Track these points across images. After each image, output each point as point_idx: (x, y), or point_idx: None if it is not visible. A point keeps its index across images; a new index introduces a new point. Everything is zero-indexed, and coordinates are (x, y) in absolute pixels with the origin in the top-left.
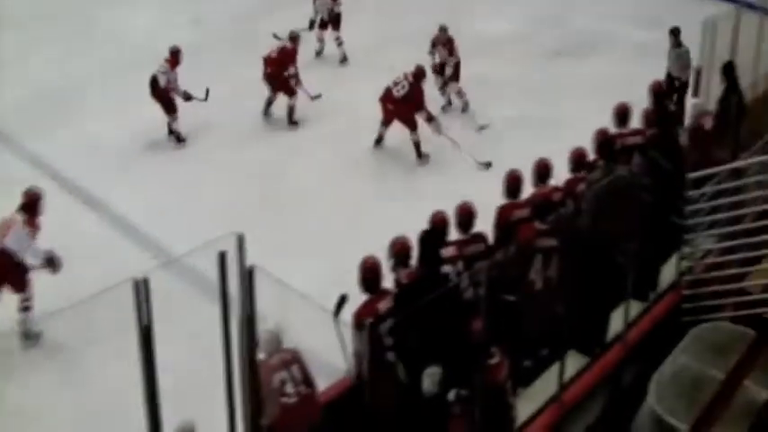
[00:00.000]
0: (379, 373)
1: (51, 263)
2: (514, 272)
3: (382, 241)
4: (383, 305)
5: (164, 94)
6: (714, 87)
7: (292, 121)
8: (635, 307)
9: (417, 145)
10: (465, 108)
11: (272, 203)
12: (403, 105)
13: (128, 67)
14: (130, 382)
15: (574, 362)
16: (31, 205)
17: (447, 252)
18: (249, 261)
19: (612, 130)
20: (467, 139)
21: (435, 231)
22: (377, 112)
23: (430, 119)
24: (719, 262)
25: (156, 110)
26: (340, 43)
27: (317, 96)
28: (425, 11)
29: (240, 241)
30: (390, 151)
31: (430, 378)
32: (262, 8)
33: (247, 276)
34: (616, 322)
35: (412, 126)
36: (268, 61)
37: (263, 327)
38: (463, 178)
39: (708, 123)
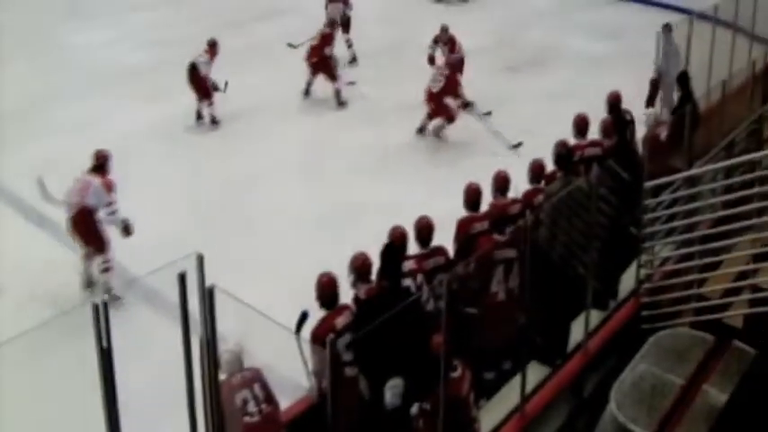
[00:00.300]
0: (340, 390)
1: (127, 228)
2: (475, 284)
3: (343, 255)
4: (341, 320)
5: (201, 81)
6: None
7: (341, 102)
8: (595, 316)
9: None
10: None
11: (235, 218)
12: (442, 96)
13: (87, 87)
14: (91, 405)
15: (535, 373)
16: (101, 165)
17: (406, 266)
18: (213, 277)
19: (571, 141)
20: None
21: (394, 246)
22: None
23: (466, 105)
24: (678, 269)
25: (117, 128)
26: (350, 45)
27: (352, 83)
28: (384, 25)
29: (200, 262)
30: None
31: (392, 391)
32: (221, 28)
33: (207, 297)
34: (577, 332)
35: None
36: (312, 48)
37: (224, 347)
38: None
39: (663, 133)
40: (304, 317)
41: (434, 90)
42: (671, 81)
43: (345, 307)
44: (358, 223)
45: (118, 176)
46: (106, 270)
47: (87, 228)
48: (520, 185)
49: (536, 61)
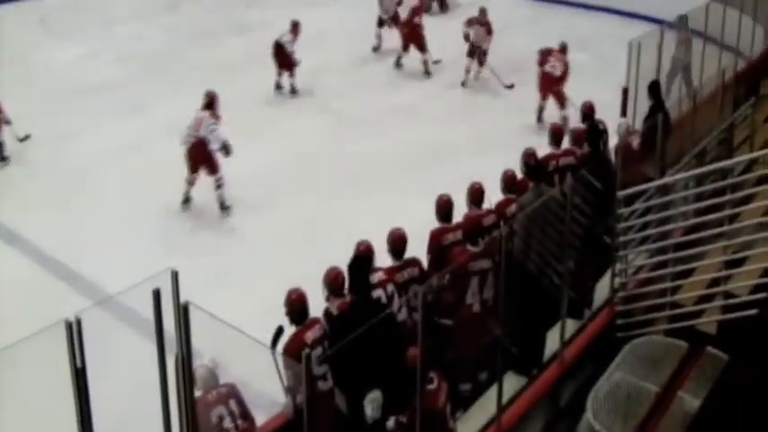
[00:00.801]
0: (315, 404)
1: (226, 148)
2: (450, 296)
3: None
4: (311, 335)
5: (287, 57)
6: (640, 106)
7: (427, 71)
8: (570, 325)
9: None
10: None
11: (210, 234)
12: (560, 81)
13: (60, 102)
14: (66, 424)
15: (512, 383)
16: (211, 102)
17: (376, 277)
18: (188, 293)
19: (544, 150)
20: None
21: (361, 259)
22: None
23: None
24: (651, 277)
25: (91, 143)
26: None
27: (437, 61)
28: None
29: (174, 278)
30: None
31: (372, 403)
32: (194, 42)
33: (182, 313)
34: (552, 341)
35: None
36: (405, 21)
37: (199, 362)
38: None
39: (635, 142)
40: (279, 332)
41: (555, 74)
42: (687, 65)
43: (315, 321)
44: (335, 237)
45: (91, 193)
46: (220, 186)
47: (203, 155)
48: (493, 198)
49: (509, 71)
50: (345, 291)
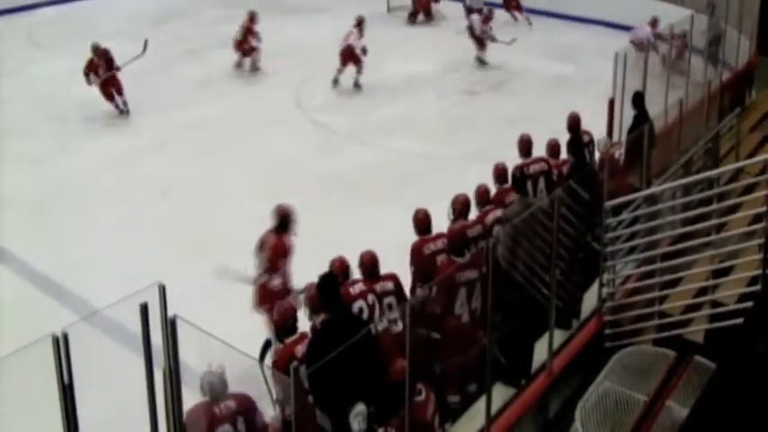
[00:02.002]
0: (304, 417)
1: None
2: (437, 308)
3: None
4: (300, 348)
5: (354, 55)
6: (627, 117)
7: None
8: (559, 335)
9: None
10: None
11: (196, 248)
12: None
13: (45, 118)
14: None
15: (500, 394)
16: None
17: (357, 288)
18: (176, 306)
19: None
20: None
21: (332, 275)
22: None
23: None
24: (639, 287)
25: (75, 160)
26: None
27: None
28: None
29: (162, 292)
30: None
31: (357, 418)
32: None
33: (170, 327)
34: (541, 352)
35: None
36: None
37: (207, 369)
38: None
39: (618, 152)
40: (267, 345)
41: None
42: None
43: (305, 335)
44: (322, 250)
45: (77, 209)
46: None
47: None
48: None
49: (495, 84)
50: None
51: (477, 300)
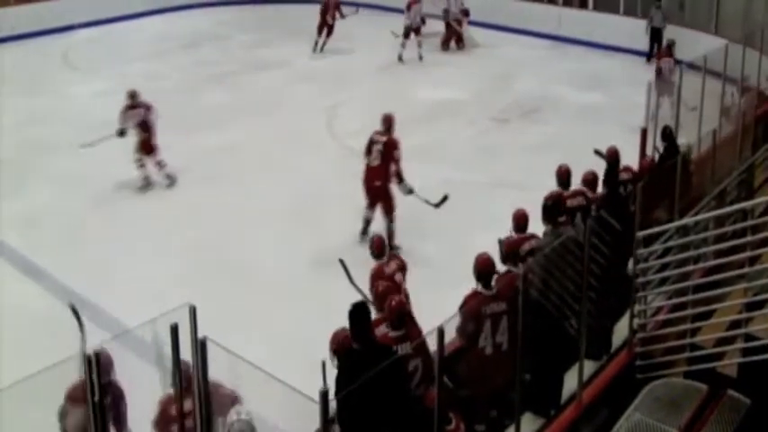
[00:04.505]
0: None
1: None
2: (464, 340)
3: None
4: None
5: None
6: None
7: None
8: (589, 366)
9: None
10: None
11: (227, 270)
12: None
13: (81, 137)
14: None
15: (530, 424)
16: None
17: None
18: (206, 328)
19: (555, 191)
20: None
21: (364, 305)
22: None
23: None
24: (671, 318)
25: (108, 180)
26: (420, 45)
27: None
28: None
29: (192, 313)
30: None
31: None
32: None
33: (200, 348)
34: (571, 382)
35: None
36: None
37: (235, 416)
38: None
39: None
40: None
41: None
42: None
43: None
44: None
45: (109, 229)
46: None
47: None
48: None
49: (525, 112)
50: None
51: (502, 334)
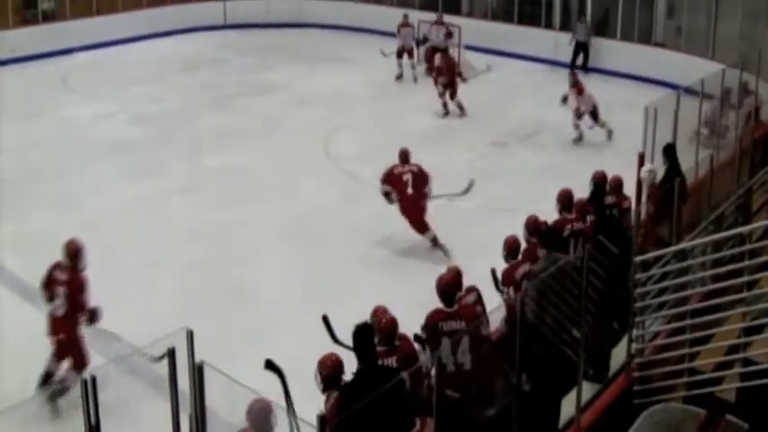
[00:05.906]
0: None
1: None
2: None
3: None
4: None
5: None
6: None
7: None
8: (587, 391)
9: None
10: None
11: (226, 294)
12: None
13: (79, 160)
14: None
15: None
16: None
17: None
18: (203, 353)
19: (550, 217)
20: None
21: (367, 326)
22: None
23: None
24: (669, 343)
25: (105, 202)
26: (414, 67)
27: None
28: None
29: (189, 337)
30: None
31: None
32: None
33: (197, 373)
34: (568, 407)
35: None
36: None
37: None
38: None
39: (649, 207)
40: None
41: None
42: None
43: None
44: (348, 300)
45: (106, 251)
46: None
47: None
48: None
49: (523, 136)
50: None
51: (463, 354)
